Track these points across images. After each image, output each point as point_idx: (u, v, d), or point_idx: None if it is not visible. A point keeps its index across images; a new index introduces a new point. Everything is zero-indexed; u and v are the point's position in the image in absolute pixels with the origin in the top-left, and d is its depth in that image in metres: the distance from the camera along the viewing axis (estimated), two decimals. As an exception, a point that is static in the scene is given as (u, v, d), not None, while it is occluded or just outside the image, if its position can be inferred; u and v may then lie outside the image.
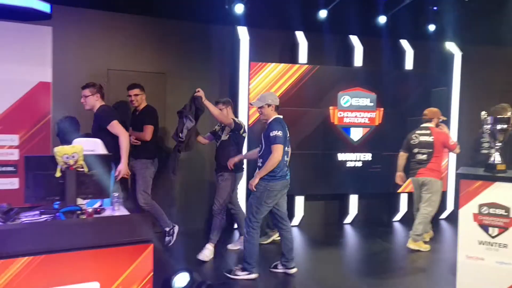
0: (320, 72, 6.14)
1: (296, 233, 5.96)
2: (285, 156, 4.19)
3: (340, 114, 6.23)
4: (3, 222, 2.75)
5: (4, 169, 4.79)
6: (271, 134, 4.07)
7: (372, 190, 6.51)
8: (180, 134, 4.69)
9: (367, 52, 6.39)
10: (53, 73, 5.01)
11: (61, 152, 2.86)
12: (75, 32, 5.25)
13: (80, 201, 3.01)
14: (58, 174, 2.87)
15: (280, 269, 4.43)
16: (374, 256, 5.18)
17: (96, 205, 3.24)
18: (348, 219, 6.50)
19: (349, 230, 6.26)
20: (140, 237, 2.53)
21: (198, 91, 4.62)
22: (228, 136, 4.85)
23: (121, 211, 3.16)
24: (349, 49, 6.42)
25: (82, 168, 2.94)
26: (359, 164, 6.34)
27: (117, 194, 3.21)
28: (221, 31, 5.92)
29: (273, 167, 4.07)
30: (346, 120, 6.26)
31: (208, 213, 5.51)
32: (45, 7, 4.86)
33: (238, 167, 4.88)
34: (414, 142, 5.25)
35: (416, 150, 5.23)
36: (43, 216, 2.95)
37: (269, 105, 4.19)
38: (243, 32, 5.81)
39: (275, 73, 5.90)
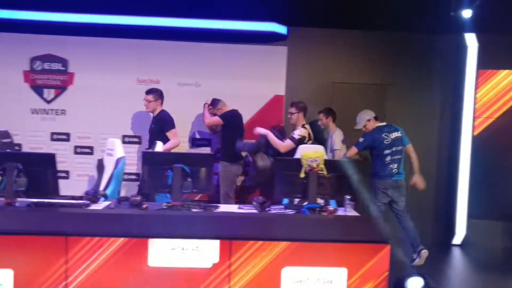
0: None
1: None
2: (388, 157, 4.69)
3: None
4: (260, 211, 3.35)
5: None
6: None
7: None
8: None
9: None
10: (286, 87, 5.74)
11: (307, 156, 3.31)
12: (305, 50, 5.85)
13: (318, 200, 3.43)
14: (302, 175, 3.34)
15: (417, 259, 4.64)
16: None
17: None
18: None
19: None
20: (378, 237, 2.74)
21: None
22: None
23: (352, 212, 3.46)
24: None
25: (322, 171, 3.34)
26: None
27: (349, 197, 3.53)
28: (444, 39, 5.76)
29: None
30: None
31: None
32: (283, 30, 5.61)
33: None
34: None
35: None
36: (287, 210, 3.47)
37: (369, 120, 4.85)
38: (470, 39, 5.53)
39: (507, 81, 5.42)
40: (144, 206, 3.29)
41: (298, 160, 3.39)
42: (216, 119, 5.23)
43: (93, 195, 3.51)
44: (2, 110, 5.53)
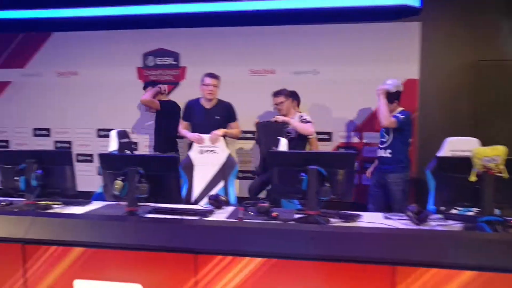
0: None
1: None
2: (410, 147, 4.21)
3: None
4: (418, 224, 2.69)
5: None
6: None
7: None
8: None
9: None
10: (420, 69, 4.91)
11: (481, 154, 2.56)
12: (443, 24, 4.94)
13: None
14: (473, 178, 2.60)
15: None
16: None
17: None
18: None
19: None
20: None
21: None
22: None
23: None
24: None
25: (501, 173, 2.57)
26: None
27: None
28: None
29: None
30: None
31: None
32: (415, 2, 4.78)
33: None
34: None
35: None
36: (449, 222, 2.77)
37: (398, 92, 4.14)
38: None
39: None
40: (274, 214, 2.84)
41: (465, 159, 2.65)
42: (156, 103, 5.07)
43: (215, 200, 3.14)
44: (117, 110, 5.50)
